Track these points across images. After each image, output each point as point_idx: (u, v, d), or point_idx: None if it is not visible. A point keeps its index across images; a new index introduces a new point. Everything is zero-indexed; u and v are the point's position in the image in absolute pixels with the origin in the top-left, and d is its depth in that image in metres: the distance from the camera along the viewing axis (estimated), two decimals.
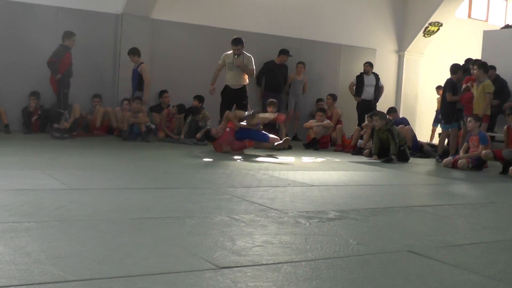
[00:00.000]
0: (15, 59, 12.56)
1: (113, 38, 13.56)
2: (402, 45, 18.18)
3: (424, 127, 17.40)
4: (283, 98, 15.35)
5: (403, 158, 11.49)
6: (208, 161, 9.42)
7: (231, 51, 12.21)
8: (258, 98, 15.17)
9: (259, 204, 5.54)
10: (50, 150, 9.46)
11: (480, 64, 11.62)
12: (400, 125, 13.23)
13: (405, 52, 18.11)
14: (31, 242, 3.59)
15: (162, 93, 13.73)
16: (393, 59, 18.21)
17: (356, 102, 16.08)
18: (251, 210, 5.23)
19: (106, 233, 4.01)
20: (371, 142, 12.10)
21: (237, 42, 12.09)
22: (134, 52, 12.79)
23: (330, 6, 16.70)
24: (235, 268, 3.37)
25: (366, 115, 13.36)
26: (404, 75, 18.17)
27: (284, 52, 15.17)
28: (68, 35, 11.85)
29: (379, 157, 11.47)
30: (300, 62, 15.59)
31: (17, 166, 7.18)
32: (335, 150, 13.41)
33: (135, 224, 4.35)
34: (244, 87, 12.35)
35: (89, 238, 3.83)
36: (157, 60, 13.97)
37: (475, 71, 11.54)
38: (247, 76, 12.37)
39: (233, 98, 12.32)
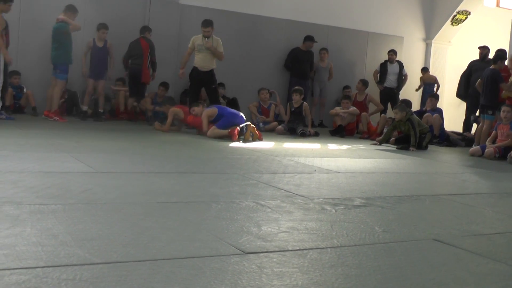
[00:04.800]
0: (41, 43, 12.59)
1: (141, 23, 13.46)
2: (429, 33, 18.05)
3: (450, 116, 17.22)
4: (309, 84, 15.34)
5: (419, 146, 11.40)
6: (235, 147, 9.42)
7: (200, 34, 12.07)
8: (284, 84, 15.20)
9: (285, 190, 5.53)
10: (77, 133, 9.52)
11: None
12: (427, 114, 13.13)
13: (433, 41, 17.99)
14: (57, 224, 3.62)
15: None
16: (420, 47, 18.09)
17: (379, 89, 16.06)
18: (277, 196, 5.23)
19: (132, 216, 4.03)
20: (396, 131, 12.03)
21: (207, 24, 11.93)
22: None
23: None
24: (261, 254, 3.37)
25: (393, 109, 13.26)
26: (431, 64, 18.03)
27: (309, 39, 15.14)
28: (149, 29, 12.59)
29: (397, 144, 11.50)
30: (323, 49, 15.55)
31: (44, 148, 7.24)
32: (361, 138, 13.37)
33: (161, 208, 4.37)
34: (212, 70, 12.17)
35: (115, 221, 3.85)
36: (185, 45, 13.92)
37: None
38: (215, 60, 12.22)
39: (202, 80, 12.17)
